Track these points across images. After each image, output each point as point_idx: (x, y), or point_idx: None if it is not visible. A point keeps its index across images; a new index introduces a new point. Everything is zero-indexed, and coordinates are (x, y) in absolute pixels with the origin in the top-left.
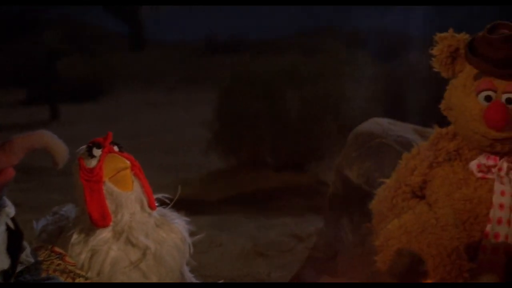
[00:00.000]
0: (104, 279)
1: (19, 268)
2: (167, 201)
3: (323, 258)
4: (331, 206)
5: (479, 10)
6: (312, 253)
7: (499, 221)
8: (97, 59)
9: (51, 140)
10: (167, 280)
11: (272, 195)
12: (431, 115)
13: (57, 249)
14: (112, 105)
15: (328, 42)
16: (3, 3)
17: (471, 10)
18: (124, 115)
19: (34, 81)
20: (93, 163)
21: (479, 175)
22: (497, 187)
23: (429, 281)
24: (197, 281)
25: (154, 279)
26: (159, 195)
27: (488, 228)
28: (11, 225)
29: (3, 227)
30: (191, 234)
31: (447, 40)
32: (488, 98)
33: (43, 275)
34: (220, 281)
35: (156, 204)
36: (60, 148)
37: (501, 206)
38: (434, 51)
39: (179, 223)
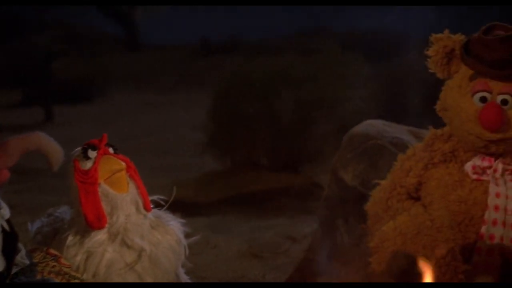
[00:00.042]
0: (100, 281)
1: (14, 270)
2: (162, 203)
3: (318, 260)
4: (326, 207)
5: (470, 11)
6: (307, 255)
7: (494, 223)
8: (92, 60)
9: (46, 142)
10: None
11: (267, 197)
12: (427, 116)
13: (52, 251)
14: (107, 107)
15: (324, 43)
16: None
17: (461, 10)
18: (119, 116)
19: (29, 82)
20: (88, 165)
21: (474, 176)
22: (492, 188)
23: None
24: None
25: (149, 281)
26: (154, 197)
27: (483, 229)
28: (6, 227)
29: None
30: (186, 236)
31: (443, 41)
32: (483, 99)
33: (38, 277)
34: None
35: (151, 206)
36: (55, 150)
37: (496, 207)
38: (430, 52)
39: (175, 225)
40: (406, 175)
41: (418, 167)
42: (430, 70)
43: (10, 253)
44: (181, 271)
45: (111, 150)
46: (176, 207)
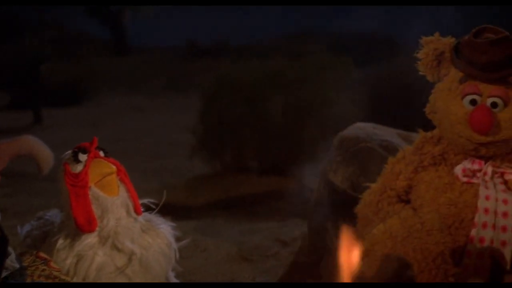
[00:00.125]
0: None
1: (4, 273)
2: (153, 206)
3: (307, 263)
4: (316, 210)
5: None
6: (297, 258)
7: (484, 226)
8: (81, 63)
9: (36, 146)
10: None
11: (256, 200)
12: (416, 119)
13: (42, 254)
14: (96, 110)
15: (312, 46)
16: None
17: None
18: (108, 119)
19: (18, 85)
20: (78, 168)
21: (464, 179)
22: (482, 191)
23: None
24: None
25: None
26: (145, 200)
27: (473, 232)
28: None
29: None
30: (176, 239)
31: (433, 44)
32: (473, 102)
33: (28, 280)
34: None
35: (142, 209)
36: (45, 153)
37: (486, 210)
38: (420, 54)
39: (165, 228)
40: (396, 178)
41: (408, 170)
42: (420, 73)
43: (0, 257)
44: (171, 275)
45: (101, 153)
46: (166, 210)
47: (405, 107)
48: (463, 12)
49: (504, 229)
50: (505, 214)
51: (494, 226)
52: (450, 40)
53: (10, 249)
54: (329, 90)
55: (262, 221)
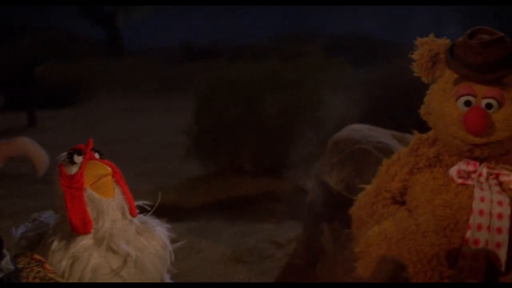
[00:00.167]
0: None
1: None
2: (148, 208)
3: (303, 265)
4: (311, 212)
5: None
6: (292, 260)
7: (479, 227)
8: (75, 65)
9: (32, 148)
10: None
11: (251, 201)
12: (411, 120)
13: (37, 256)
14: (91, 111)
15: (307, 47)
16: None
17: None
18: (103, 121)
19: (12, 87)
20: (74, 170)
21: (459, 181)
22: (477, 193)
23: None
24: None
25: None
26: (140, 202)
27: (468, 234)
28: None
29: None
30: (172, 241)
31: (428, 45)
32: (467, 103)
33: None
34: None
35: (137, 211)
36: (40, 155)
37: (481, 212)
38: (415, 55)
39: (160, 230)
40: (391, 180)
41: (403, 172)
42: (415, 74)
43: None
44: (167, 277)
45: (97, 155)
46: (161, 212)
47: (400, 109)
48: (463, 12)
49: (499, 230)
50: (500, 216)
51: (489, 228)
52: (445, 41)
53: (5, 251)
54: (324, 92)
55: (257, 222)
